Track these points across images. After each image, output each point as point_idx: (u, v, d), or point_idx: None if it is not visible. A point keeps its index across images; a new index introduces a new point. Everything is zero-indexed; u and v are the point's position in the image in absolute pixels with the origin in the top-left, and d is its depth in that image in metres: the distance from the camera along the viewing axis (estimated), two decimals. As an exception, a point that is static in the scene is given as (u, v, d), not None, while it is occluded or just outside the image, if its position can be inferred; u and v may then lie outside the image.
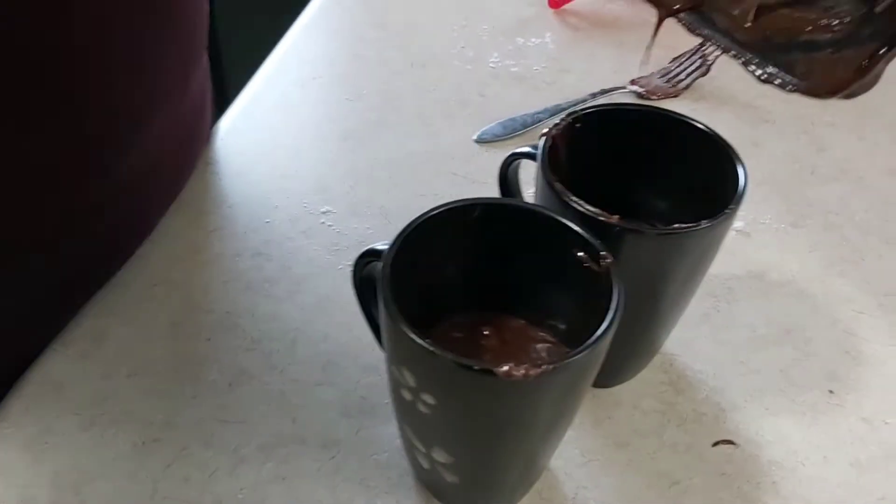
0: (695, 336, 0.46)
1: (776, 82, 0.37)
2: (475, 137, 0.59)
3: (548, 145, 0.39)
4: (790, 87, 0.37)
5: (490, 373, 0.29)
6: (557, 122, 0.40)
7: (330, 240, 0.50)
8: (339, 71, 0.64)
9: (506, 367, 0.29)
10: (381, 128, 0.59)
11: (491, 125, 0.60)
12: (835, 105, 0.64)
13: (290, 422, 0.41)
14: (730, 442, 0.41)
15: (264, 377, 0.43)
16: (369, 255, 0.34)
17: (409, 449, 0.37)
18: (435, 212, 0.35)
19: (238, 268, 0.48)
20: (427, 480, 0.38)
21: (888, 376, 0.45)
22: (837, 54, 0.37)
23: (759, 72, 0.38)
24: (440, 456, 0.34)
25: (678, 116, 0.41)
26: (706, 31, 0.40)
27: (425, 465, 0.36)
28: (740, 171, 0.38)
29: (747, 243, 0.52)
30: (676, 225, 0.35)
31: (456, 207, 0.35)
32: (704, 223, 0.35)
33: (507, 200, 0.37)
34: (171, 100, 0.48)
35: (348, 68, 0.65)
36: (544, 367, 0.29)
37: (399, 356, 0.32)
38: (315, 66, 0.64)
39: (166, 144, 0.49)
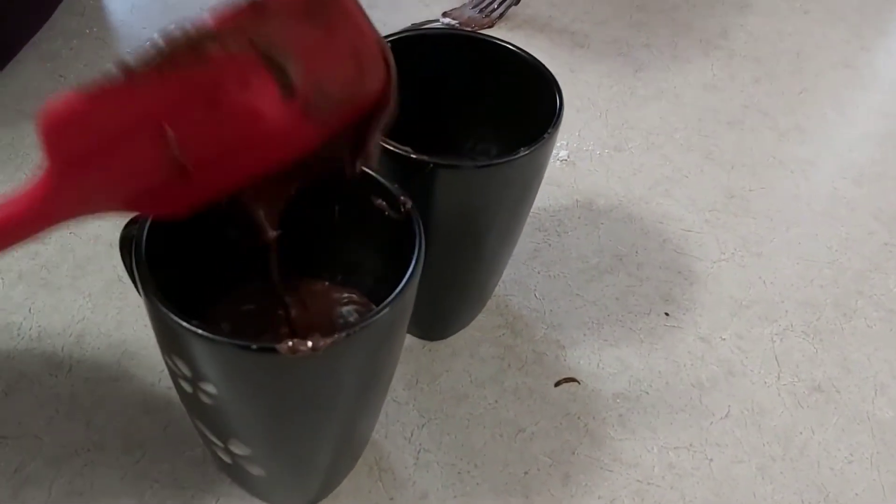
0: (527, 274, 0.44)
1: None
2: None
3: (345, 80, 0.34)
4: None
5: (272, 351, 0.24)
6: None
7: (118, 212, 0.44)
8: None
9: (290, 343, 0.24)
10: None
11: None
12: (648, 26, 0.63)
13: (84, 427, 0.35)
14: (572, 379, 0.39)
15: (48, 380, 0.37)
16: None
17: (208, 444, 0.32)
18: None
19: (6, 257, 0.41)
20: (234, 476, 0.34)
21: (719, 293, 0.44)
22: None
23: None
24: (238, 449, 0.29)
25: (490, 39, 0.38)
26: None
27: (227, 460, 0.31)
28: (556, 93, 0.35)
29: (572, 173, 0.50)
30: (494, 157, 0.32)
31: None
32: (523, 151, 0.32)
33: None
34: None
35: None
36: (336, 336, 0.25)
37: (167, 343, 0.27)
38: None
39: None
